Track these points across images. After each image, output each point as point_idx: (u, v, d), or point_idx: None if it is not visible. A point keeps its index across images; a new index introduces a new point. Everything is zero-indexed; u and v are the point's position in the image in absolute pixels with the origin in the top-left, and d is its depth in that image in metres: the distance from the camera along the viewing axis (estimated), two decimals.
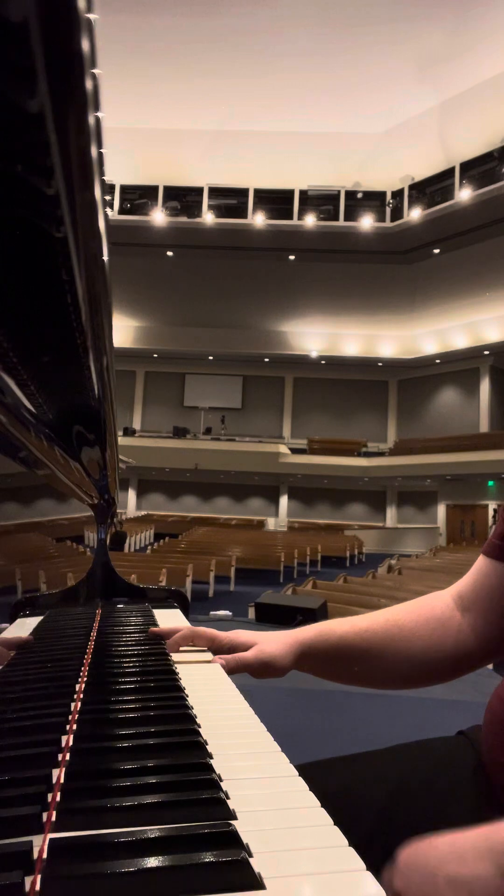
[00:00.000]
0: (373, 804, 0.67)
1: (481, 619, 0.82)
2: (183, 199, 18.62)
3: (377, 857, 0.37)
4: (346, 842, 0.36)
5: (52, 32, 0.24)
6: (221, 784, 0.43)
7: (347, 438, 22.93)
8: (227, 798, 0.41)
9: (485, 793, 0.62)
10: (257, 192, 18.43)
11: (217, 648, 0.84)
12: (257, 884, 0.32)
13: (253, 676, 0.81)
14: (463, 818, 0.60)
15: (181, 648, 0.87)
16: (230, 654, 0.82)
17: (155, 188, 18.53)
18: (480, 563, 0.85)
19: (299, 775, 0.46)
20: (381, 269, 18.78)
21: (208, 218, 18.23)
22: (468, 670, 0.82)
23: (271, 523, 22.87)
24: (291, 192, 18.36)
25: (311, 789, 0.44)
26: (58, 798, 0.40)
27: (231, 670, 0.78)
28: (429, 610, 0.84)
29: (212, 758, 0.47)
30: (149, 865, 0.33)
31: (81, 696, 0.64)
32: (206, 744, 0.49)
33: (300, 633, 0.84)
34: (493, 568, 0.82)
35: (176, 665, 0.77)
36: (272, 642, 0.82)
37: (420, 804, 0.65)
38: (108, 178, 0.37)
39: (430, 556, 14.34)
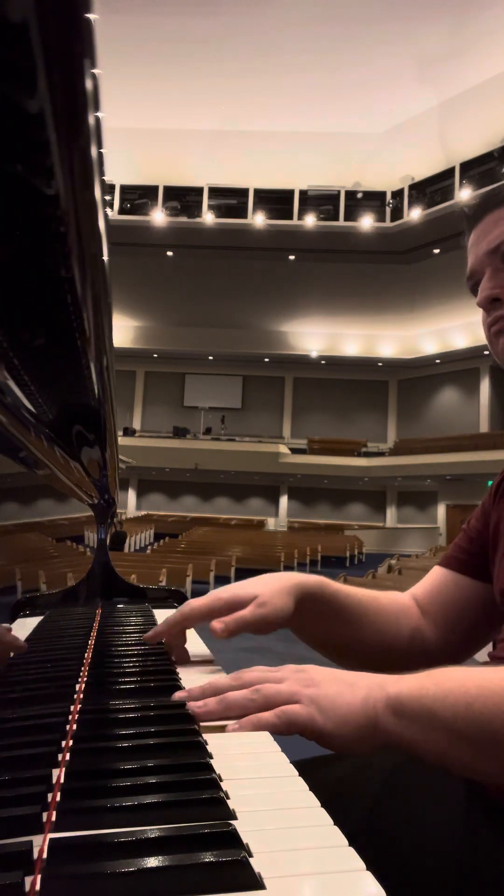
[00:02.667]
0: (368, 800, 0.67)
1: (435, 624, 0.86)
2: (183, 199, 18.62)
3: (369, 849, 0.37)
4: (346, 842, 0.36)
5: (52, 32, 0.24)
6: (221, 784, 0.43)
7: (347, 438, 22.93)
8: (227, 798, 0.41)
9: (475, 786, 0.63)
10: (257, 192, 18.43)
11: (216, 615, 0.77)
12: (257, 884, 0.32)
13: (254, 634, 0.76)
14: (453, 811, 0.60)
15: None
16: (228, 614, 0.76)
17: (155, 188, 18.53)
18: (438, 573, 0.89)
19: (296, 770, 0.46)
20: (381, 269, 18.78)
21: (208, 218, 18.23)
22: (423, 666, 0.84)
23: (271, 523, 22.87)
24: (291, 192, 18.36)
25: (308, 783, 0.44)
26: (58, 798, 0.41)
27: (231, 633, 0.73)
28: (398, 599, 0.89)
29: (212, 758, 0.47)
30: (149, 865, 0.33)
31: (81, 696, 0.64)
32: (206, 744, 0.49)
33: (300, 577, 0.81)
34: (452, 579, 0.87)
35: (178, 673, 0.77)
36: (270, 592, 0.76)
37: (415, 801, 0.65)
38: (108, 178, 0.37)
39: (430, 556, 14.34)
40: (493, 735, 0.49)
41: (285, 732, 0.54)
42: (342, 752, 0.55)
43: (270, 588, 0.76)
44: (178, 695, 0.60)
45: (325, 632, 0.85)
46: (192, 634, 0.96)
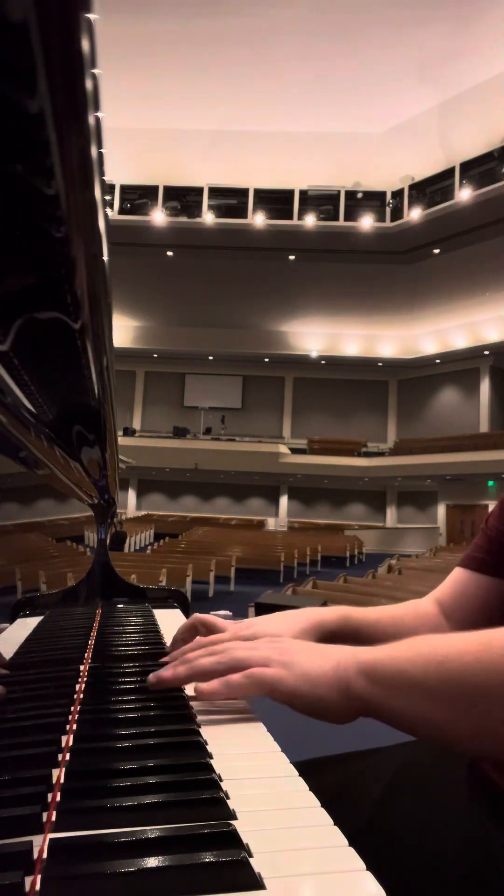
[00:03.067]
0: (368, 801, 0.67)
1: (460, 627, 0.84)
2: (183, 199, 18.62)
3: (371, 852, 0.37)
4: (346, 842, 0.36)
5: (52, 32, 0.24)
6: (221, 784, 0.43)
7: (347, 438, 22.93)
8: (227, 798, 0.41)
9: (478, 792, 0.63)
10: (257, 192, 18.43)
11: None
12: (257, 884, 0.32)
13: None
14: (457, 817, 0.60)
15: None
16: None
17: (155, 188, 18.53)
18: (458, 573, 0.88)
19: (299, 774, 0.46)
20: (381, 269, 18.78)
21: (208, 218, 18.23)
22: None
23: (271, 523, 22.87)
24: (291, 192, 18.36)
25: (308, 784, 0.44)
26: (58, 798, 0.41)
27: None
28: (424, 611, 0.86)
29: (212, 758, 0.47)
30: (149, 865, 0.33)
31: (81, 696, 0.64)
32: (206, 744, 0.49)
33: (320, 615, 0.78)
34: (473, 579, 0.85)
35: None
36: (290, 633, 0.73)
37: (415, 802, 0.65)
38: (108, 178, 0.37)
39: (430, 556, 14.34)
40: (466, 692, 0.50)
41: (253, 693, 0.55)
42: (315, 716, 0.55)
43: (292, 628, 0.74)
44: (150, 678, 0.61)
45: None
46: None
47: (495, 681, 0.48)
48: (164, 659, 0.70)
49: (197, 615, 0.82)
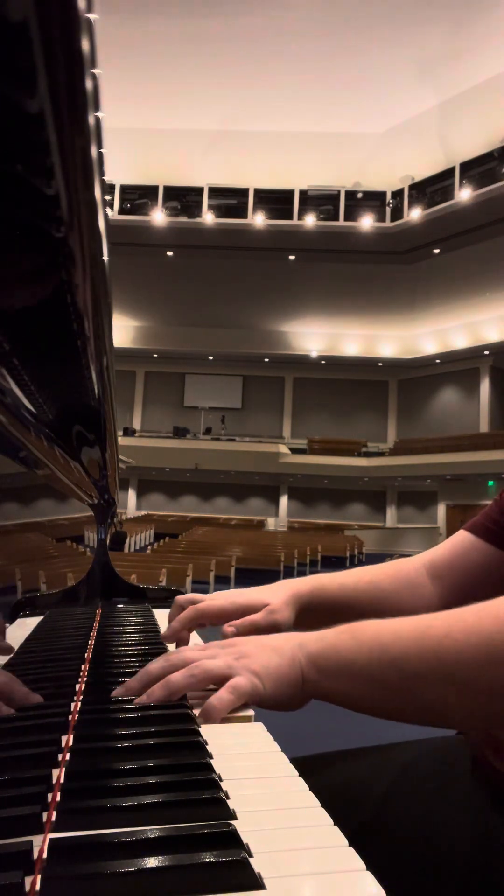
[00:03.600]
0: (369, 799, 0.67)
1: (448, 589, 0.84)
2: (183, 199, 18.61)
3: (372, 852, 0.37)
4: (346, 842, 0.36)
5: (52, 32, 0.24)
6: (221, 784, 0.43)
7: (347, 438, 22.93)
8: (227, 798, 0.41)
9: (482, 788, 0.62)
10: (257, 192, 18.42)
11: (228, 619, 0.78)
12: (257, 884, 0.32)
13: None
14: (458, 816, 0.60)
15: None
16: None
17: (155, 188, 18.52)
18: (463, 537, 0.86)
19: (297, 769, 0.46)
20: (381, 269, 18.77)
21: (208, 218, 18.23)
22: None
23: (271, 523, 22.87)
24: (291, 192, 18.35)
25: (307, 782, 0.44)
26: (58, 798, 0.41)
27: (241, 634, 0.74)
28: (404, 574, 0.87)
29: (212, 758, 0.47)
30: (149, 865, 0.33)
31: (81, 696, 0.64)
32: (206, 744, 0.49)
33: (294, 585, 0.82)
34: (477, 546, 0.84)
35: None
36: (279, 601, 0.78)
37: (416, 801, 0.65)
38: (108, 178, 0.37)
39: None
40: (407, 677, 0.53)
41: (237, 703, 0.57)
42: (278, 710, 0.58)
43: (279, 597, 0.78)
44: (116, 692, 0.61)
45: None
46: (192, 634, 0.96)
47: (433, 665, 0.51)
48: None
49: (180, 596, 0.83)
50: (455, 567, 0.85)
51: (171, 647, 0.84)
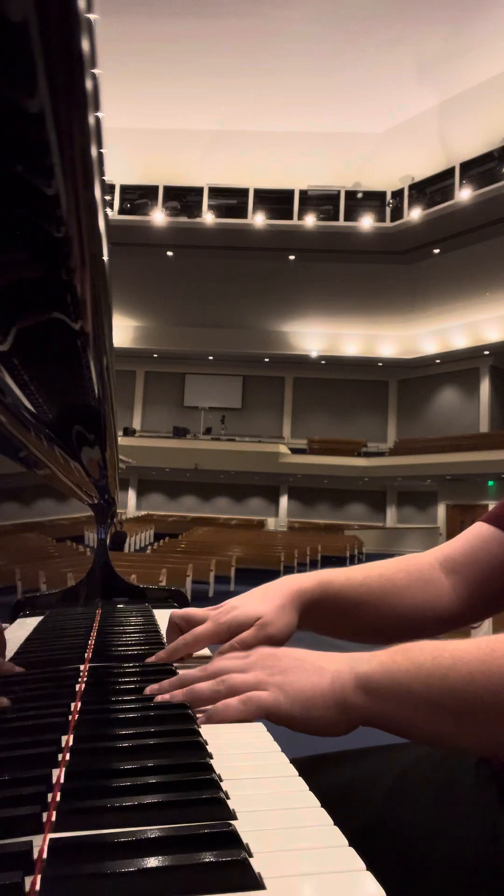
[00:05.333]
0: (370, 799, 0.67)
1: (466, 584, 0.81)
2: (183, 199, 18.61)
3: (374, 853, 0.37)
4: (346, 842, 0.36)
5: (52, 32, 0.24)
6: (221, 784, 0.43)
7: (347, 438, 22.93)
8: (227, 798, 0.41)
9: (487, 789, 0.62)
10: (257, 192, 18.41)
11: (219, 640, 0.73)
12: (257, 884, 0.32)
13: None
14: (461, 816, 0.60)
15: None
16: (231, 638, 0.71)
17: (155, 188, 18.52)
18: (480, 529, 0.84)
19: (297, 770, 0.46)
20: (381, 269, 18.77)
21: (208, 218, 18.22)
22: (445, 631, 0.80)
23: (271, 523, 22.87)
24: (291, 192, 18.35)
25: (308, 783, 0.44)
26: (58, 798, 0.41)
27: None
28: (416, 568, 0.83)
29: (212, 758, 0.47)
30: (149, 865, 0.33)
31: (81, 696, 0.64)
32: (206, 744, 0.49)
33: (297, 582, 0.77)
34: (497, 537, 0.81)
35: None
36: (273, 610, 0.72)
37: (418, 801, 0.65)
38: (108, 178, 0.37)
39: None
40: (472, 703, 0.49)
41: (253, 718, 0.55)
42: (313, 734, 0.56)
43: (272, 605, 0.73)
44: (150, 688, 0.61)
45: (337, 628, 0.81)
46: None
47: (500, 691, 0.48)
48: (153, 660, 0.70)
49: (174, 612, 0.80)
50: (474, 561, 0.81)
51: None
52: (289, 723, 0.55)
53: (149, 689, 0.61)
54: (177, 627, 0.78)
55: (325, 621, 0.79)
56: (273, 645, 0.70)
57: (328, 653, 0.60)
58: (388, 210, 18.04)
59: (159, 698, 0.59)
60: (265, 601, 0.74)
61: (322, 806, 0.41)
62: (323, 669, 0.57)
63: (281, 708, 0.54)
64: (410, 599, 0.80)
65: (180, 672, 0.62)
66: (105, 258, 0.46)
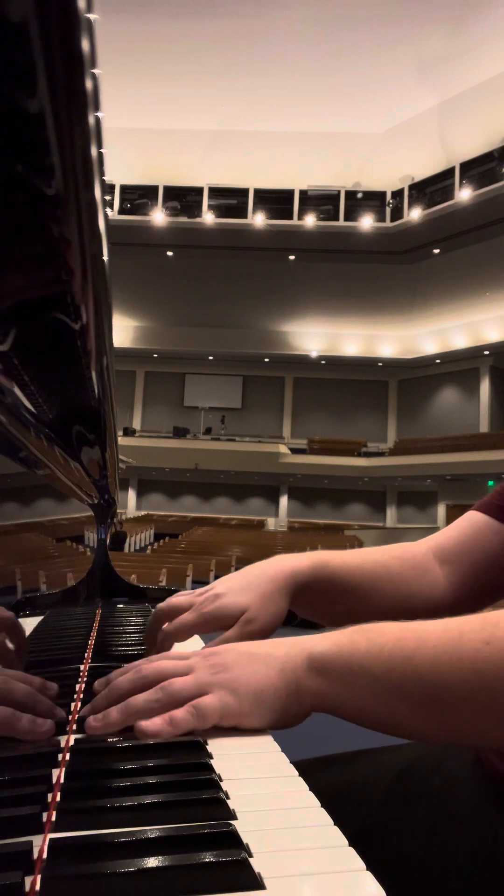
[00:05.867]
0: (370, 800, 0.67)
1: (459, 573, 0.80)
2: (183, 199, 18.61)
3: (374, 853, 0.37)
4: (346, 842, 0.36)
5: (52, 32, 0.24)
6: (221, 784, 0.43)
7: (347, 438, 22.94)
8: (227, 798, 0.41)
9: (484, 790, 0.62)
10: (257, 192, 18.42)
11: (204, 631, 0.71)
12: (257, 884, 0.32)
13: None
14: (460, 817, 0.60)
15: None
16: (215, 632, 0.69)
17: (155, 188, 18.52)
18: (474, 517, 0.82)
19: (297, 770, 0.46)
20: (381, 269, 18.77)
21: (208, 218, 18.22)
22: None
23: (271, 523, 22.87)
24: (291, 192, 18.35)
25: (308, 783, 0.44)
26: (58, 798, 0.41)
27: None
28: (411, 556, 0.81)
29: (212, 758, 0.47)
30: (149, 865, 0.33)
31: (81, 696, 0.64)
32: (206, 744, 0.49)
33: (293, 564, 0.72)
34: (490, 526, 0.80)
35: None
36: (260, 601, 0.68)
37: (417, 802, 0.65)
38: (108, 178, 0.37)
39: None
40: (437, 689, 0.46)
41: (201, 727, 0.50)
42: (268, 728, 0.52)
43: (259, 593, 0.69)
44: (83, 711, 0.54)
45: (328, 612, 0.78)
46: None
47: (469, 678, 0.45)
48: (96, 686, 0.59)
49: (159, 605, 0.75)
50: (467, 550, 0.80)
51: (172, 647, 0.84)
52: (240, 721, 0.51)
53: (82, 713, 0.54)
54: (163, 619, 0.74)
55: (316, 604, 0.76)
56: (259, 638, 0.67)
57: (278, 639, 0.57)
58: (388, 210, 18.04)
59: (92, 722, 0.51)
60: (252, 589, 0.69)
61: (322, 806, 0.41)
62: (271, 656, 0.53)
63: (230, 709, 0.50)
64: (405, 587, 0.78)
65: (111, 684, 0.55)
66: (105, 258, 0.46)
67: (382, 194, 18.27)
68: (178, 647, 0.81)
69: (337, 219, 18.16)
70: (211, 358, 23.33)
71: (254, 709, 0.51)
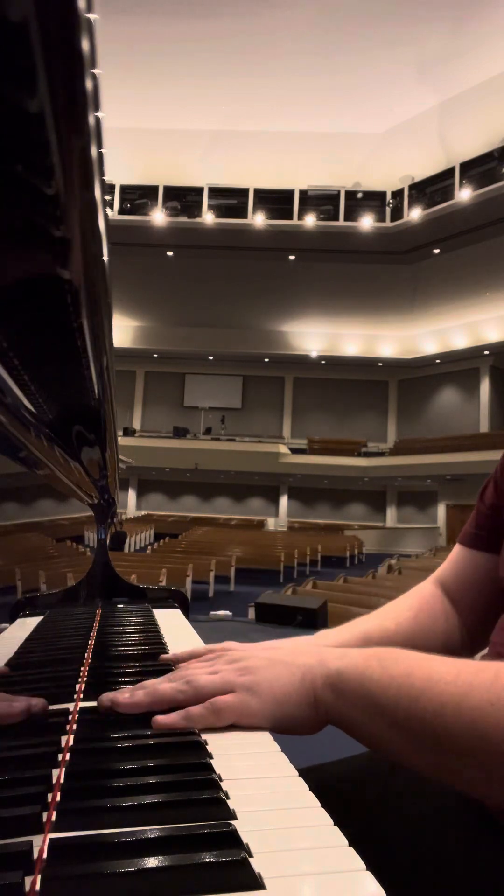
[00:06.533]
0: (370, 800, 0.67)
1: (460, 610, 0.82)
2: (183, 199, 18.61)
3: (373, 853, 0.37)
4: (346, 842, 0.36)
5: (52, 32, 0.24)
6: (221, 784, 0.43)
7: (347, 438, 22.94)
8: (227, 798, 0.41)
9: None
10: (257, 192, 18.42)
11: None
12: (257, 884, 0.32)
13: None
14: (460, 817, 0.60)
15: None
16: None
17: (155, 188, 18.52)
18: (456, 551, 0.85)
19: (298, 771, 0.46)
20: (381, 269, 18.77)
21: (208, 218, 18.22)
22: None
23: (271, 523, 22.87)
24: (291, 192, 18.35)
25: (308, 783, 0.44)
26: (58, 798, 0.41)
27: None
28: (429, 606, 0.83)
29: (212, 758, 0.47)
30: (149, 865, 0.33)
31: (81, 695, 0.64)
32: (206, 744, 0.49)
33: (339, 640, 0.72)
34: (469, 556, 0.83)
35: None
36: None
37: (417, 801, 0.65)
38: (108, 178, 0.37)
39: (430, 556, 14.34)
40: (436, 735, 0.47)
41: (217, 723, 0.52)
42: (285, 733, 0.54)
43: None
44: (102, 699, 0.57)
45: None
46: (192, 635, 0.96)
47: (468, 736, 0.45)
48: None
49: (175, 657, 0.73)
50: (459, 584, 0.83)
51: (171, 647, 0.84)
52: (260, 723, 0.53)
53: (102, 698, 0.57)
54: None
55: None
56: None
57: (298, 645, 0.59)
58: (388, 210, 18.04)
59: (121, 699, 0.55)
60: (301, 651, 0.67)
61: (322, 806, 0.41)
62: (293, 665, 0.55)
63: (251, 709, 0.52)
64: (433, 637, 0.80)
65: (147, 683, 0.59)
66: (105, 258, 0.46)
67: (382, 194, 18.27)
68: (173, 646, 0.81)
69: (337, 219, 18.15)
70: (211, 358, 23.33)
71: (273, 712, 0.53)
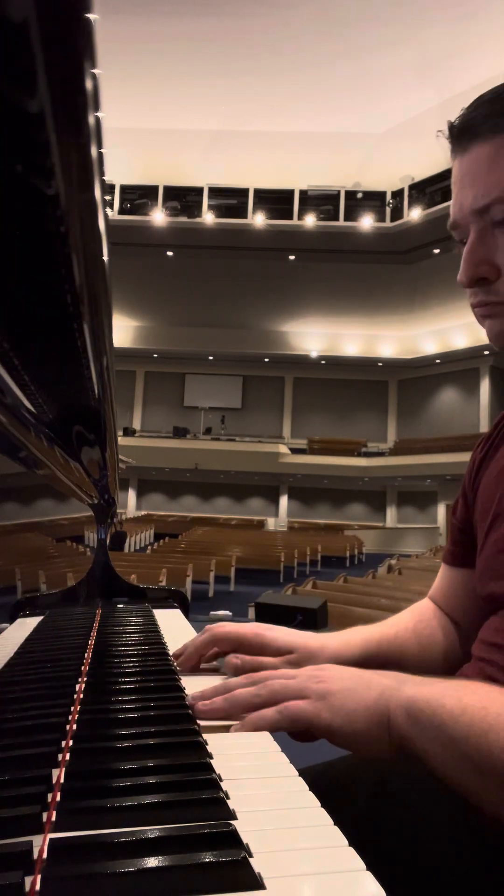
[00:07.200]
0: (370, 800, 0.67)
1: (460, 625, 0.84)
2: (183, 199, 18.62)
3: (373, 853, 0.37)
4: (346, 842, 0.36)
5: (52, 32, 0.24)
6: (221, 784, 0.43)
7: (347, 438, 22.93)
8: (227, 798, 0.41)
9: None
10: (257, 192, 18.42)
11: (244, 650, 0.72)
12: (257, 884, 0.32)
13: None
14: (460, 817, 0.60)
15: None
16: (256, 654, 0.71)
17: (155, 188, 18.52)
18: (444, 571, 0.88)
19: (298, 772, 0.46)
20: (381, 269, 18.77)
21: (208, 218, 18.23)
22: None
23: (271, 523, 22.86)
24: (291, 192, 18.35)
25: (309, 784, 0.44)
26: (58, 798, 0.41)
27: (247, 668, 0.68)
28: (427, 621, 0.85)
29: (212, 758, 0.47)
30: (149, 865, 0.33)
31: (81, 696, 0.64)
32: (206, 744, 0.49)
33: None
34: (451, 573, 0.86)
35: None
36: (310, 648, 0.71)
37: (417, 802, 0.65)
38: (108, 178, 0.37)
39: (430, 556, 14.33)
40: (501, 771, 0.46)
41: (289, 728, 0.52)
42: (355, 751, 0.53)
43: (316, 642, 0.72)
44: (193, 695, 0.59)
45: None
46: (192, 635, 0.96)
47: None
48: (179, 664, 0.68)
49: (212, 633, 0.74)
50: (448, 602, 0.85)
51: (171, 647, 0.84)
52: (328, 735, 0.52)
53: (191, 697, 0.59)
54: (213, 645, 0.74)
55: None
56: None
57: (380, 671, 0.58)
58: (388, 210, 18.05)
59: (200, 706, 0.56)
60: (308, 644, 0.72)
61: (322, 806, 0.41)
62: (371, 683, 0.54)
63: (321, 718, 0.52)
64: (432, 650, 0.82)
65: (225, 680, 0.60)
66: (105, 258, 0.46)
67: (382, 194, 18.28)
68: (173, 646, 0.81)
69: (337, 219, 18.16)
70: (211, 358, 23.33)
71: (346, 725, 0.52)
